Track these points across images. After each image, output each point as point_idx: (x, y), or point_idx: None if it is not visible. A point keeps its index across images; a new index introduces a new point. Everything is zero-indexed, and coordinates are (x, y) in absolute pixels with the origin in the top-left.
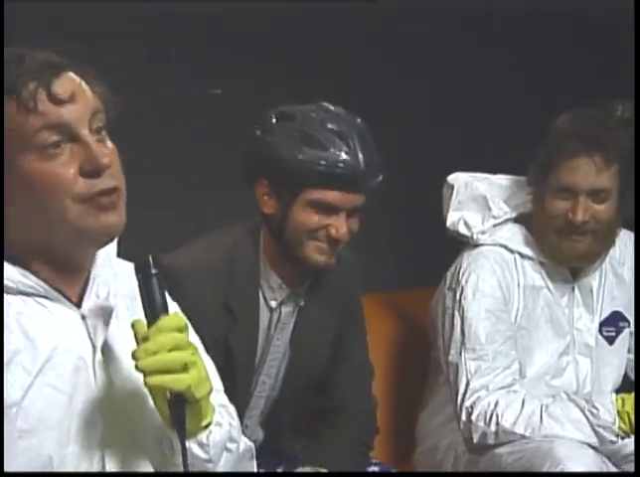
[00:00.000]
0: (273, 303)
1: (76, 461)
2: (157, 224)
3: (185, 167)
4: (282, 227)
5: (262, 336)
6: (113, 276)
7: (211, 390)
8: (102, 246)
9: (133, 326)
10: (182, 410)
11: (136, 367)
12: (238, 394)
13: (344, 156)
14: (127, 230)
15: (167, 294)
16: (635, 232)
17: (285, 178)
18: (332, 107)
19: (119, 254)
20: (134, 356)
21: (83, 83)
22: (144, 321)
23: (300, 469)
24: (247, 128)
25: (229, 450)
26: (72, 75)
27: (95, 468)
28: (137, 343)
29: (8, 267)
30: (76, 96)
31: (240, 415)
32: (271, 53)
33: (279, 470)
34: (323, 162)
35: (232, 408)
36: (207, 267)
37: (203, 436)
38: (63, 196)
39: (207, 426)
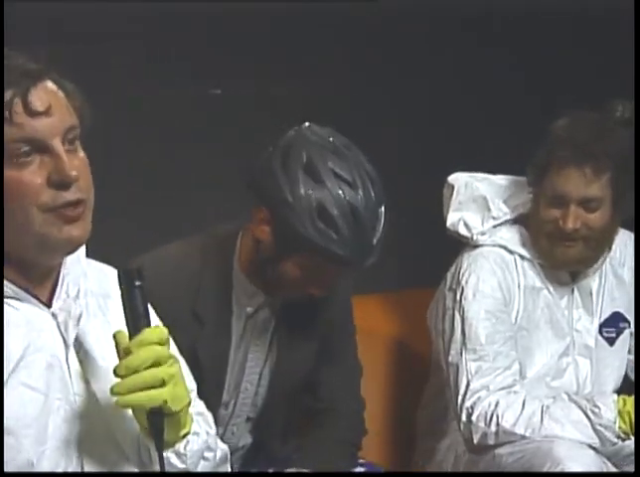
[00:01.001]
0: (249, 310)
1: (54, 457)
2: (157, 224)
3: (185, 167)
4: (268, 265)
5: (236, 343)
6: (83, 275)
7: (189, 402)
8: (67, 255)
9: (115, 337)
10: (160, 422)
11: (112, 390)
12: (209, 400)
13: (353, 246)
14: (127, 229)
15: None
16: (635, 232)
17: (290, 238)
18: (358, 180)
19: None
20: (116, 372)
21: (61, 93)
22: (125, 332)
23: (290, 470)
24: (247, 128)
25: (206, 459)
26: (49, 84)
27: (75, 464)
28: (118, 354)
29: None
30: (51, 109)
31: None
32: (271, 53)
33: (270, 471)
34: (331, 247)
35: (209, 416)
36: (177, 272)
37: (180, 446)
38: (29, 204)
39: (185, 436)
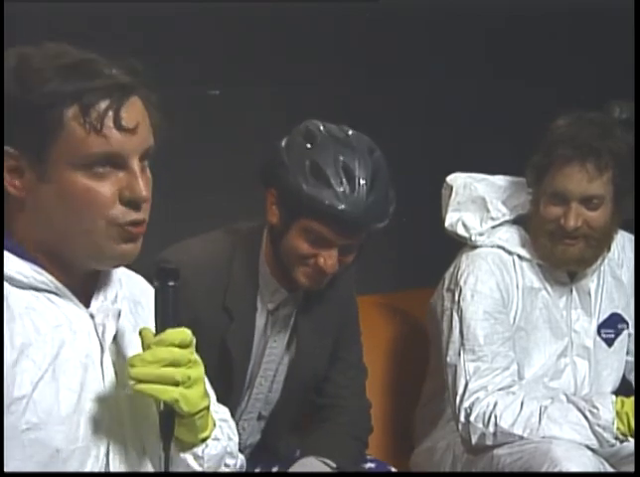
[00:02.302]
0: (270, 306)
1: (82, 456)
2: (156, 224)
3: (185, 167)
4: (279, 242)
5: (258, 338)
6: (118, 280)
7: (206, 407)
8: (114, 268)
9: (140, 333)
10: (170, 422)
11: (129, 374)
12: (232, 394)
13: (346, 199)
14: None
15: None
16: (635, 233)
17: (289, 201)
18: (352, 136)
19: None
20: (130, 362)
21: (145, 111)
22: (152, 330)
23: (302, 460)
24: (246, 128)
25: (227, 466)
26: (137, 100)
27: (100, 463)
28: (143, 350)
29: (20, 262)
30: (138, 128)
31: (233, 417)
32: (271, 52)
33: (275, 470)
34: (324, 200)
35: (232, 424)
36: (206, 266)
37: (199, 449)
38: (98, 216)
39: (204, 440)
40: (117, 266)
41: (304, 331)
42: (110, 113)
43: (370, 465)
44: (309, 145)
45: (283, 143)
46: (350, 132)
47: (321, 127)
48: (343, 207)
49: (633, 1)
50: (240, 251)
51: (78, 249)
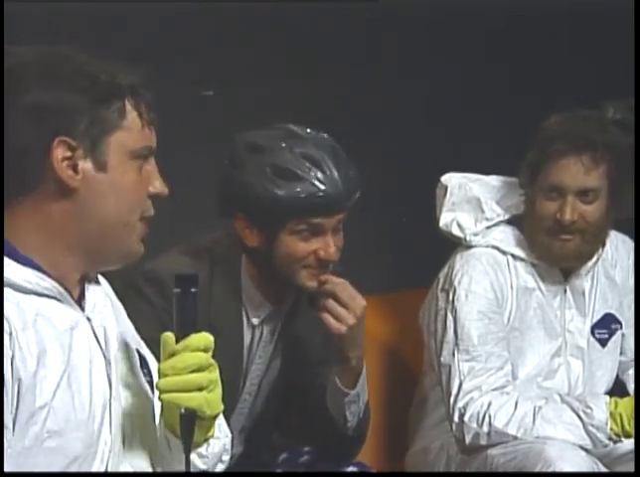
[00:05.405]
0: (255, 321)
1: (92, 460)
2: (157, 224)
3: (185, 167)
4: (269, 258)
5: (246, 354)
6: (100, 279)
7: (222, 409)
8: (119, 267)
9: (162, 338)
10: (192, 426)
11: (157, 385)
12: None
13: (321, 183)
14: None
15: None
16: (635, 232)
17: (266, 214)
18: (298, 130)
19: None
20: (161, 371)
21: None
22: (172, 335)
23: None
24: (246, 128)
25: (222, 462)
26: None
27: (104, 466)
28: (163, 356)
29: (22, 269)
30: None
31: None
32: (271, 52)
33: (283, 457)
34: (302, 194)
35: (224, 420)
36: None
37: (203, 449)
38: (138, 207)
39: (207, 439)
40: (121, 266)
41: (288, 346)
42: (135, 112)
43: (352, 469)
44: (255, 154)
45: (229, 167)
46: (283, 126)
47: (249, 136)
48: (322, 193)
49: (633, 1)
50: (219, 268)
51: (111, 244)
